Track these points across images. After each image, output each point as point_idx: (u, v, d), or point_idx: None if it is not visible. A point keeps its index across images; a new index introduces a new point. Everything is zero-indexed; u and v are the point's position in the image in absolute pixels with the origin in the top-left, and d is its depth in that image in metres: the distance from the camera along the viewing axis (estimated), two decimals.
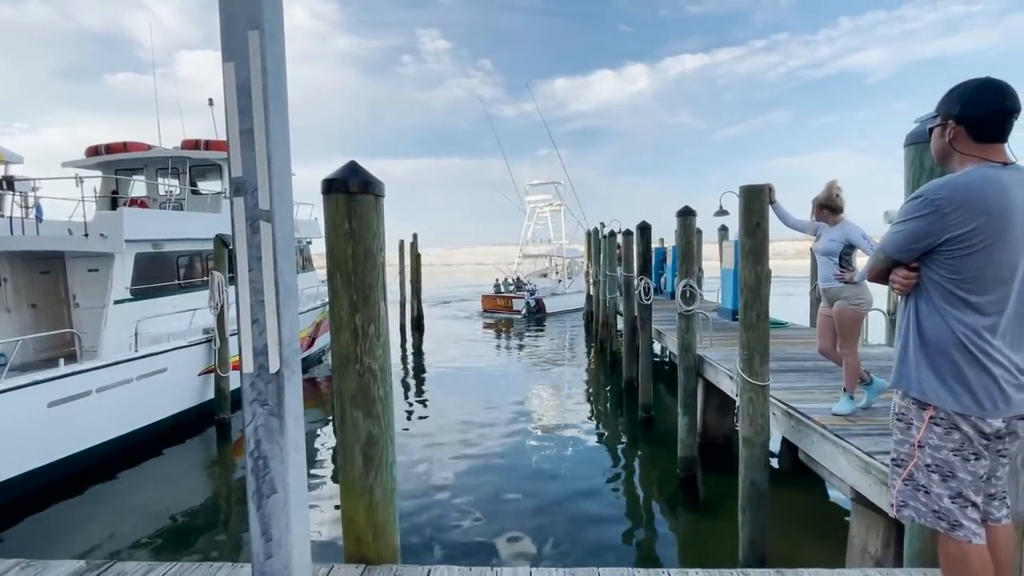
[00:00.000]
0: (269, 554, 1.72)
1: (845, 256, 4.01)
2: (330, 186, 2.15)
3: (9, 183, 8.51)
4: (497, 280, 27.31)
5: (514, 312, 23.75)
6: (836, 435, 3.60)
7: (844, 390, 4.13)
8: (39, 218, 8.70)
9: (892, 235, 1.74)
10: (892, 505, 1.75)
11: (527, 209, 29.68)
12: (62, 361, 6.90)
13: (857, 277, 3.93)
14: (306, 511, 1.79)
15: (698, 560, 4.86)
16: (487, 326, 21.94)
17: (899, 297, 1.81)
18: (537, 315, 23.62)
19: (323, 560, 2.26)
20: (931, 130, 1.79)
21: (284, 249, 1.69)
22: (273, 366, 1.67)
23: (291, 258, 1.74)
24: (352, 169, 2.18)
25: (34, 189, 8.90)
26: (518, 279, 26.92)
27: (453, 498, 6.16)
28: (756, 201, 3.91)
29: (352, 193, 2.13)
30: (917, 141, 2.30)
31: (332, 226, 2.15)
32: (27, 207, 8.60)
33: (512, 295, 24.79)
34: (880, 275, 1.84)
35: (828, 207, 4.11)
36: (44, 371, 6.64)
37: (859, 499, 3.36)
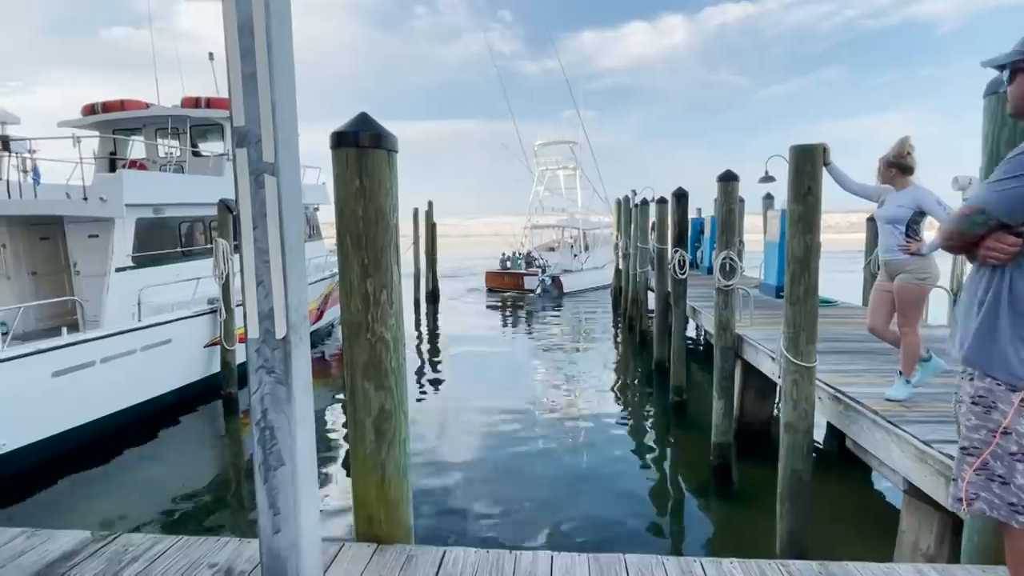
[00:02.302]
0: (276, 528, 1.76)
1: (913, 225, 3.83)
2: (339, 140, 2.13)
3: (5, 144, 8.69)
4: (504, 255, 25.40)
5: (524, 290, 22.46)
6: (889, 422, 3.53)
7: (900, 373, 4.03)
8: (36, 181, 8.89)
9: (999, 193, 1.60)
10: (959, 498, 1.70)
11: (535, 173, 27.88)
12: (65, 330, 7.13)
13: (926, 248, 3.75)
14: (315, 485, 1.82)
15: (732, 553, 4.88)
16: (491, 306, 20.61)
17: (976, 267, 1.72)
18: (553, 295, 22.18)
19: (331, 540, 2.32)
20: (1013, 74, 1.67)
21: (291, 205, 1.69)
22: (280, 331, 1.68)
23: (299, 215, 1.73)
24: (363, 121, 2.16)
25: (31, 151, 9.08)
26: (528, 254, 25.27)
27: (470, 479, 6.27)
28: (808, 163, 3.79)
29: (363, 147, 2.12)
30: (999, 90, 2.18)
31: (342, 184, 2.14)
32: (25, 170, 8.79)
33: (523, 272, 23.38)
34: (968, 241, 1.70)
35: (898, 166, 3.87)
36: (48, 340, 6.88)
37: (912, 491, 3.31)
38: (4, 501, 5.88)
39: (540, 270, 23.01)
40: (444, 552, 2.19)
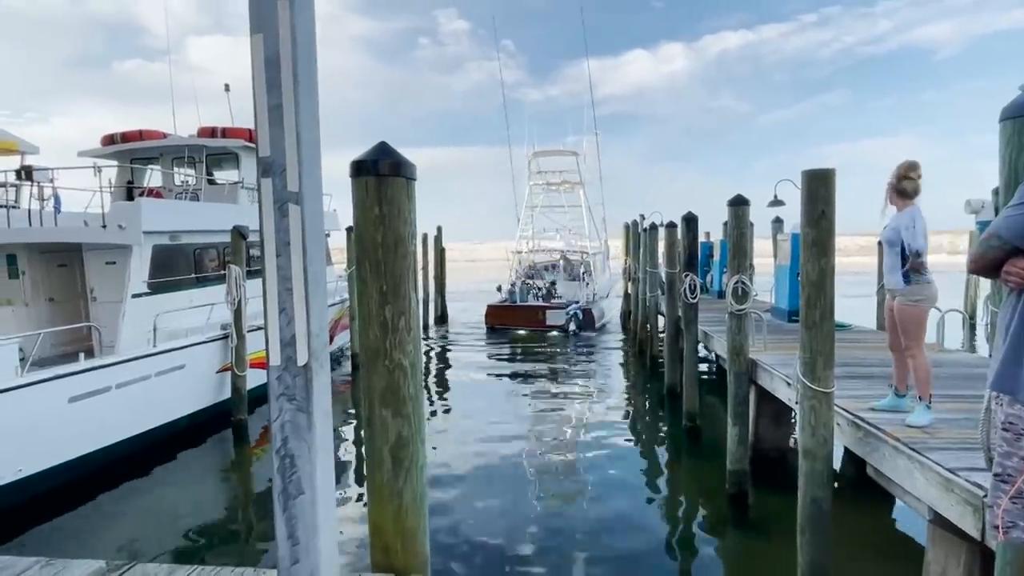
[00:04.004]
0: (296, 559, 1.73)
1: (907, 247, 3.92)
2: (359, 168, 2.15)
3: (28, 173, 8.88)
4: (513, 285, 20.40)
5: (546, 327, 18.02)
6: (912, 449, 3.46)
7: (919, 399, 3.97)
8: (57, 209, 9.06)
9: (1010, 219, 1.64)
10: (995, 526, 1.65)
11: (527, 188, 23.96)
12: (82, 356, 7.18)
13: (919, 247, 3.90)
14: (334, 514, 1.80)
15: None
16: (500, 356, 15.40)
17: (1007, 294, 1.71)
18: (585, 330, 17.99)
19: (346, 568, 2.28)
20: None
21: (314, 234, 1.70)
22: (301, 359, 1.68)
23: (321, 244, 1.75)
24: (382, 150, 2.19)
25: (51, 180, 9.27)
26: (552, 283, 20.69)
27: (481, 508, 6.18)
28: (821, 187, 3.79)
29: (382, 175, 2.14)
30: (1017, 115, 2.17)
31: (361, 211, 2.16)
32: (43, 199, 8.95)
33: (542, 304, 19.01)
34: (990, 265, 1.73)
35: (896, 190, 4.01)
36: (65, 365, 6.92)
37: (938, 521, 3.22)
38: (20, 527, 5.84)
39: (569, 303, 18.67)
40: None
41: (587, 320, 18.16)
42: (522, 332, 18.07)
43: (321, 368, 1.73)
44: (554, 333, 17.79)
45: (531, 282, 20.79)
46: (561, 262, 22.59)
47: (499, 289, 21.35)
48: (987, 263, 1.73)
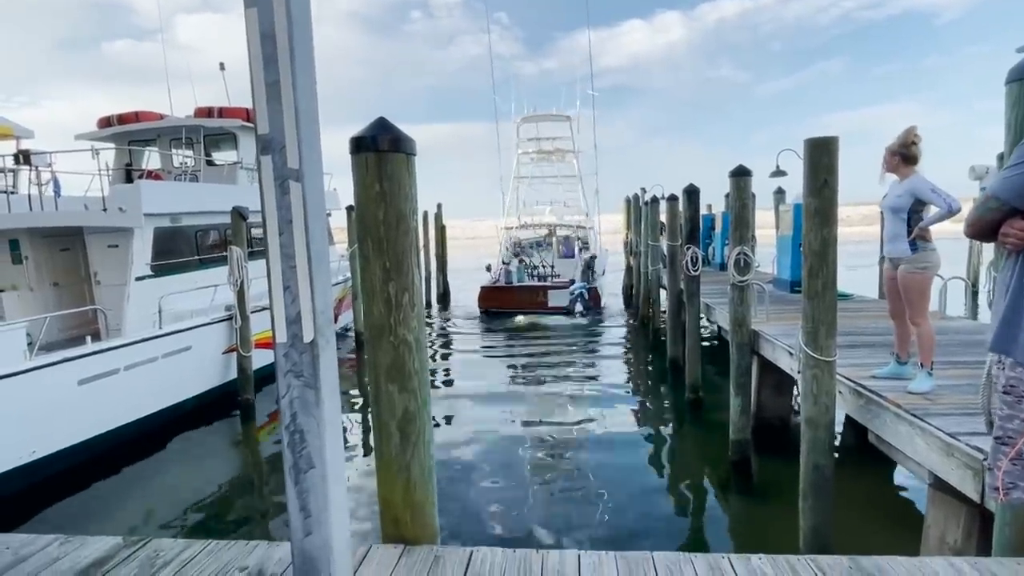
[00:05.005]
0: (308, 531, 1.77)
1: (914, 214, 3.89)
2: (359, 144, 2.14)
3: (25, 157, 8.83)
4: (503, 264, 18.70)
5: (548, 310, 16.48)
6: (913, 415, 3.49)
7: (920, 366, 3.99)
8: (57, 193, 9.02)
9: (1008, 179, 1.62)
10: (995, 487, 1.68)
11: (514, 159, 22.15)
12: (89, 338, 7.23)
13: (926, 223, 3.85)
14: (344, 487, 1.83)
15: (757, 549, 4.84)
16: (495, 348, 13.48)
17: (1004, 256, 1.71)
18: (593, 310, 16.71)
19: (358, 539, 2.32)
20: None
21: (315, 210, 1.70)
22: (307, 335, 1.69)
23: (323, 220, 1.74)
24: (381, 125, 2.17)
25: (49, 164, 9.22)
26: (553, 266, 19.25)
27: (487, 478, 6.27)
28: (824, 156, 3.75)
29: (382, 151, 2.12)
30: (1023, 76, 2.14)
31: (362, 188, 2.15)
32: (41, 183, 8.91)
33: (543, 284, 17.51)
34: (988, 227, 1.71)
35: (901, 155, 3.94)
36: (74, 348, 6.97)
37: (937, 484, 3.26)
38: (36, 507, 5.96)
39: (570, 281, 17.42)
40: (472, 552, 2.19)
41: (593, 300, 16.76)
42: (521, 317, 16.45)
43: (327, 344, 1.75)
44: (556, 317, 16.29)
45: (528, 260, 19.15)
46: (553, 239, 21.09)
47: (488, 269, 19.11)
48: (984, 226, 1.71)
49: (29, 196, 8.60)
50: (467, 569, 2.09)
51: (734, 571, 2.07)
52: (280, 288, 1.68)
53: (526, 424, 8.10)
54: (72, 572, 2.16)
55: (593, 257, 18.61)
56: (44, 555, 2.31)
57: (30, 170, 8.78)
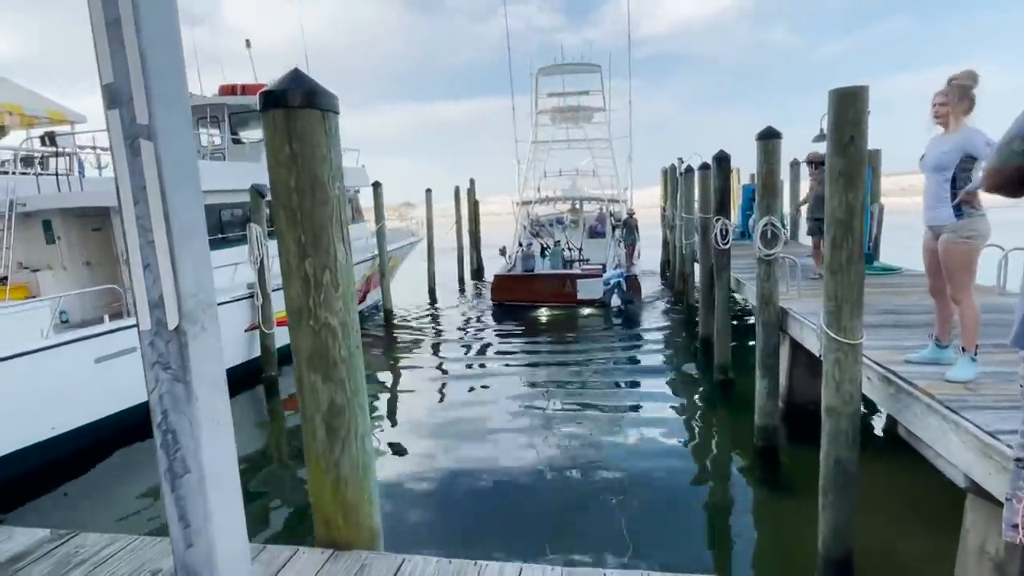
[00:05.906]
0: (189, 542, 1.55)
1: (961, 173, 3.30)
2: (267, 100, 1.87)
3: (52, 140, 9.00)
4: (526, 247, 15.25)
5: (577, 303, 13.68)
6: (948, 407, 3.03)
7: (963, 350, 3.50)
8: (82, 173, 9.19)
9: None
10: (1014, 524, 1.30)
11: (533, 120, 18.96)
12: (106, 317, 7.34)
13: (971, 187, 3.24)
14: (235, 493, 1.60)
15: (770, 548, 4.47)
16: (513, 356, 10.53)
17: None
18: (633, 303, 13.78)
19: (296, 543, 2.13)
20: None
21: (177, 175, 1.44)
22: (171, 321, 1.45)
23: (191, 187, 1.48)
24: (293, 78, 1.89)
25: (76, 145, 9.38)
26: (581, 248, 16.10)
27: (513, 455, 6.15)
28: (851, 108, 3.26)
29: (291, 107, 1.85)
30: None
31: (271, 150, 1.89)
32: (69, 164, 9.08)
33: (570, 272, 14.46)
34: (1014, 176, 1.31)
35: (961, 91, 3.30)
36: (90, 327, 7.10)
37: (974, 488, 2.83)
38: (56, 482, 6.12)
39: (600, 268, 14.77)
40: (403, 560, 1.95)
41: (633, 289, 13.88)
42: (543, 312, 13.65)
43: (202, 331, 1.50)
44: (586, 309, 13.51)
45: (554, 242, 15.94)
46: (580, 217, 18.37)
47: (502, 252, 15.85)
48: (1010, 174, 1.31)
49: (56, 176, 8.77)
50: None
51: None
52: (140, 266, 1.44)
53: (551, 402, 7.84)
54: None
55: (630, 225, 16.07)
56: None
57: (56, 151, 8.94)
